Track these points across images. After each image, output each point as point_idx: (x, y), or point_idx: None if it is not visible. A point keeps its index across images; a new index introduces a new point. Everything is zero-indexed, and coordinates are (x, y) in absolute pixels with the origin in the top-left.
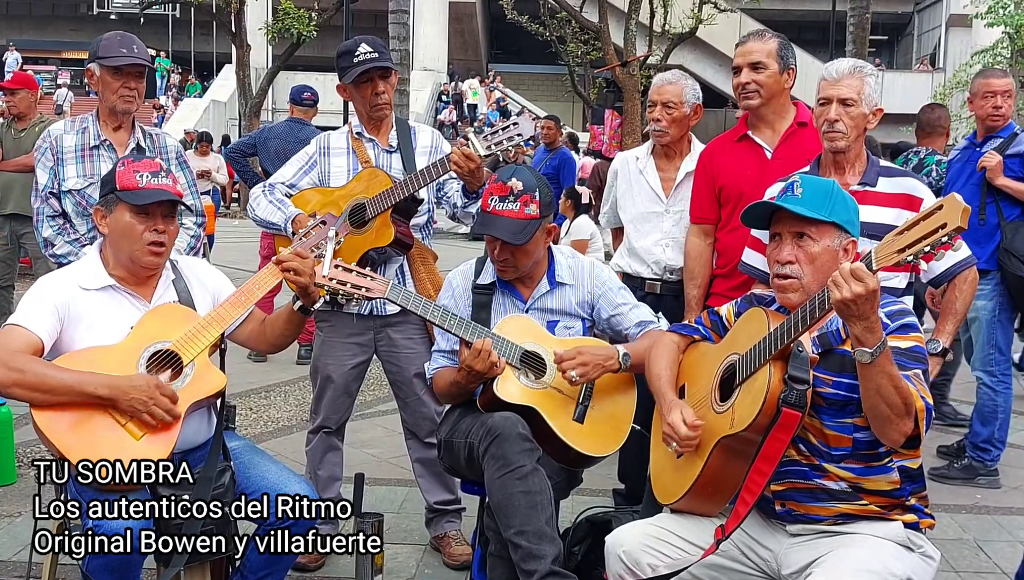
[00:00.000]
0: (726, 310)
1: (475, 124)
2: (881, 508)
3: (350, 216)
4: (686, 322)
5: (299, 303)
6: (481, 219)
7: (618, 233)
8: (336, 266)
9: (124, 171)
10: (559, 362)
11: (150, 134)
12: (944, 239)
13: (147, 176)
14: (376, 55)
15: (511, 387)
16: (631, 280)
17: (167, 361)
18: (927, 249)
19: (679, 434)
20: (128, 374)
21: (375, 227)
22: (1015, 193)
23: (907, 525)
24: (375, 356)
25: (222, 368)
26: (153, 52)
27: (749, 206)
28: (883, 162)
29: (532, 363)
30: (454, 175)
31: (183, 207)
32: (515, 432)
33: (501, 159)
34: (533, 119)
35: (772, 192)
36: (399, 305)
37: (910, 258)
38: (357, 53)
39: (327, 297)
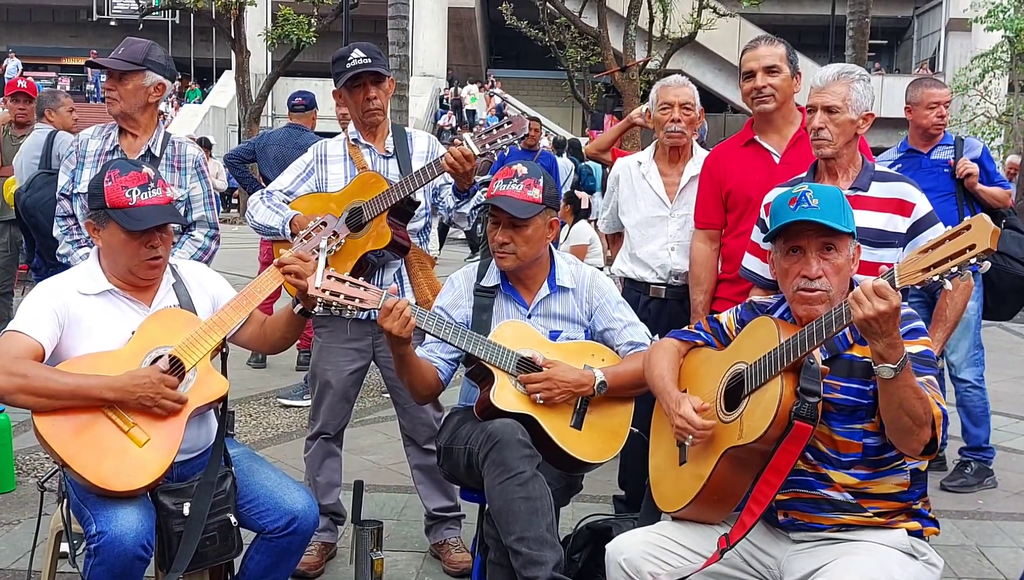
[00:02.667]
0: (726, 317)
1: (474, 129)
2: (884, 517)
3: (347, 220)
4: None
5: (299, 306)
6: (486, 204)
7: (616, 238)
8: (329, 277)
9: (112, 187)
10: (525, 383)
11: (172, 142)
12: (972, 261)
13: (136, 192)
14: (368, 60)
15: (507, 395)
16: (635, 285)
17: (169, 366)
18: (954, 270)
19: (695, 424)
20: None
21: (372, 230)
22: (990, 198)
23: (910, 532)
24: (373, 362)
25: (224, 373)
26: None
27: (784, 224)
28: (879, 167)
29: (528, 370)
30: (449, 178)
31: (196, 217)
32: (515, 438)
33: (497, 159)
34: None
35: (770, 198)
36: None
37: (935, 277)
38: (350, 58)
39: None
